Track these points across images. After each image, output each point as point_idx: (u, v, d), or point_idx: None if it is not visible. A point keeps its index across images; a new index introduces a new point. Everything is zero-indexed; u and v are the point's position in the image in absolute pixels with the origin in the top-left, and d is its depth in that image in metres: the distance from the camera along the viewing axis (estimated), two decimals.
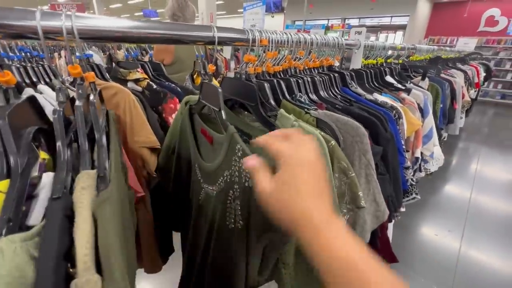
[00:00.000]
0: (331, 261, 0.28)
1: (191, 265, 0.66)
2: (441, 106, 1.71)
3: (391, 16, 9.37)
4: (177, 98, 0.90)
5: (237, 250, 0.51)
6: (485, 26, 8.12)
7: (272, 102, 0.69)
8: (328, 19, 10.47)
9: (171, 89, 0.95)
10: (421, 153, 1.27)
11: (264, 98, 0.67)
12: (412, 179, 1.16)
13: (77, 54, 0.52)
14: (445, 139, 2.75)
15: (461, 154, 3.74)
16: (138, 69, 0.92)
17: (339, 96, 0.94)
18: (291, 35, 0.81)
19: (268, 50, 0.75)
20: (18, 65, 0.72)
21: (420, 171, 1.37)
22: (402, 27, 9.10)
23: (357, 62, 1.35)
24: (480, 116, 5.91)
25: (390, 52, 1.70)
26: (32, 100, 0.42)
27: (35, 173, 0.35)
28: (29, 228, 0.28)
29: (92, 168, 0.38)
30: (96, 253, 0.28)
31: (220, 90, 0.55)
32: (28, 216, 0.31)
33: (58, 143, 0.37)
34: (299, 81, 0.80)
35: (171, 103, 0.88)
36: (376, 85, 1.25)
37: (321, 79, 0.89)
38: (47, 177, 0.34)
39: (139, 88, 0.89)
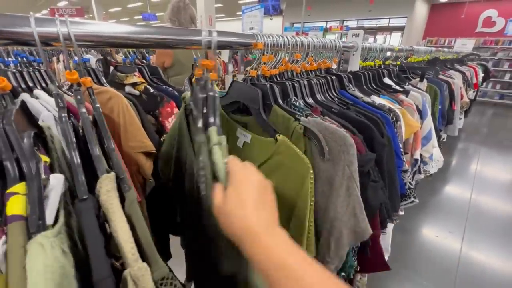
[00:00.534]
0: (270, 266, 0.30)
1: (197, 262, 0.66)
2: (440, 107, 1.70)
3: (389, 18, 9.40)
4: (174, 101, 0.90)
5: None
6: (483, 27, 8.16)
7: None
8: (327, 21, 10.52)
9: (168, 93, 0.95)
10: (420, 155, 1.26)
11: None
12: (410, 183, 1.15)
13: (75, 58, 0.52)
14: (444, 140, 2.75)
15: (460, 155, 3.73)
16: (135, 73, 0.92)
17: (336, 99, 0.93)
18: (287, 38, 0.81)
19: (264, 54, 0.74)
20: (14, 70, 0.72)
21: (420, 173, 1.37)
22: (400, 29, 9.14)
23: (355, 64, 1.35)
24: (479, 116, 5.92)
25: (388, 53, 1.70)
26: (23, 105, 0.43)
27: (42, 175, 0.36)
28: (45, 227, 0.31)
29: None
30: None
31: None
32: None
33: (69, 148, 0.40)
34: (295, 84, 0.80)
35: (167, 107, 0.87)
36: (374, 87, 1.25)
37: (318, 82, 0.89)
38: (54, 179, 0.35)
39: (137, 92, 0.89)
